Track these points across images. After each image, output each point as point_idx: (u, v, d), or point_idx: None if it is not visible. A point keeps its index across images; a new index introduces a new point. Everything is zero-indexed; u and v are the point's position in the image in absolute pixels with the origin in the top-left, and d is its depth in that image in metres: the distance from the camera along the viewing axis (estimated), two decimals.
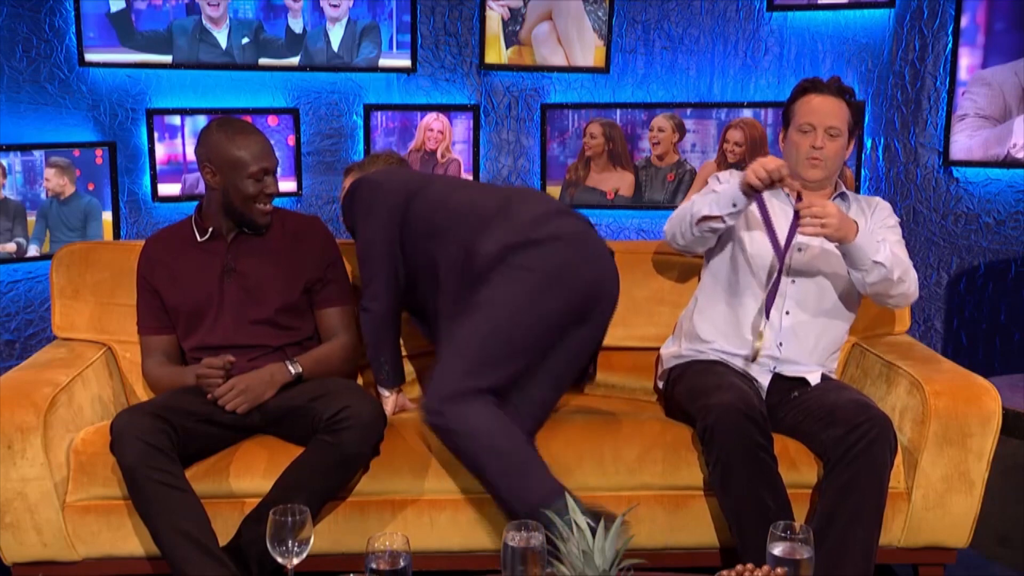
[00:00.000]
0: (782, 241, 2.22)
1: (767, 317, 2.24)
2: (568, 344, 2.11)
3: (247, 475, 2.10)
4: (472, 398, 1.97)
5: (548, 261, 2.05)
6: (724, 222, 2.20)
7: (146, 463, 1.93)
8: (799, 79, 3.42)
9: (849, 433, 2.02)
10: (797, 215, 2.12)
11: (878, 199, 2.42)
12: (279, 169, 3.34)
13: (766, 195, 2.26)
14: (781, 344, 2.26)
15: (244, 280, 2.24)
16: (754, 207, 2.23)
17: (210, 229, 2.26)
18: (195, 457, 2.09)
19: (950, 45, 3.28)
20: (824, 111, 2.24)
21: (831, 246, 2.21)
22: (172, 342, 2.30)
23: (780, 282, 2.22)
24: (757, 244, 2.28)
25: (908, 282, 2.22)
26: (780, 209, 2.31)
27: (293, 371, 2.18)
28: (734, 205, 2.16)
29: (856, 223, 2.14)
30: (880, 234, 2.29)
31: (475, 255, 2.07)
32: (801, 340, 2.26)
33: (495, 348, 2.01)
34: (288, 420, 2.13)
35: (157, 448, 1.94)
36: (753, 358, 2.24)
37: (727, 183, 2.26)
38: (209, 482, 2.07)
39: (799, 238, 2.24)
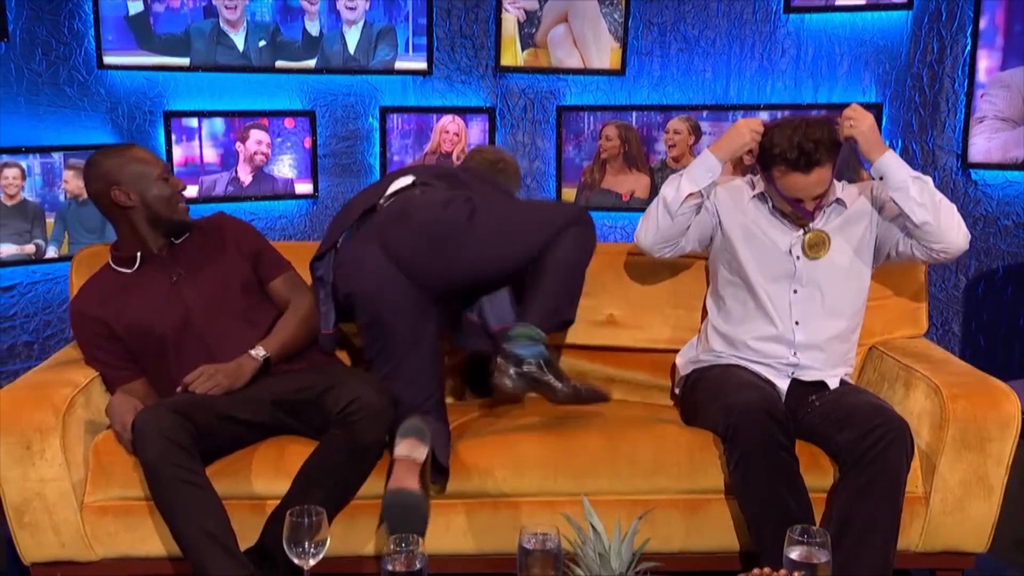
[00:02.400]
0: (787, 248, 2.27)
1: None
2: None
3: (265, 476, 2.10)
4: None
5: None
6: (703, 196, 2.27)
7: (168, 460, 1.93)
8: (816, 81, 3.43)
9: (865, 436, 2.01)
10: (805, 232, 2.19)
11: (869, 187, 2.36)
12: (295, 169, 3.40)
13: (755, 219, 2.30)
14: (796, 352, 2.26)
15: (195, 277, 2.24)
16: (743, 228, 2.29)
17: (138, 255, 2.24)
18: (215, 454, 2.09)
19: (968, 47, 3.26)
20: (811, 187, 2.19)
21: (834, 255, 2.23)
22: (146, 384, 2.25)
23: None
24: (768, 252, 2.28)
25: (956, 216, 2.18)
26: (780, 230, 2.31)
27: (259, 355, 2.17)
28: (710, 174, 2.25)
29: (886, 145, 2.18)
30: (887, 213, 2.29)
31: None
32: (813, 347, 2.26)
33: None
34: (303, 414, 2.14)
35: (179, 445, 1.94)
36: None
37: (686, 170, 2.28)
38: (228, 483, 2.07)
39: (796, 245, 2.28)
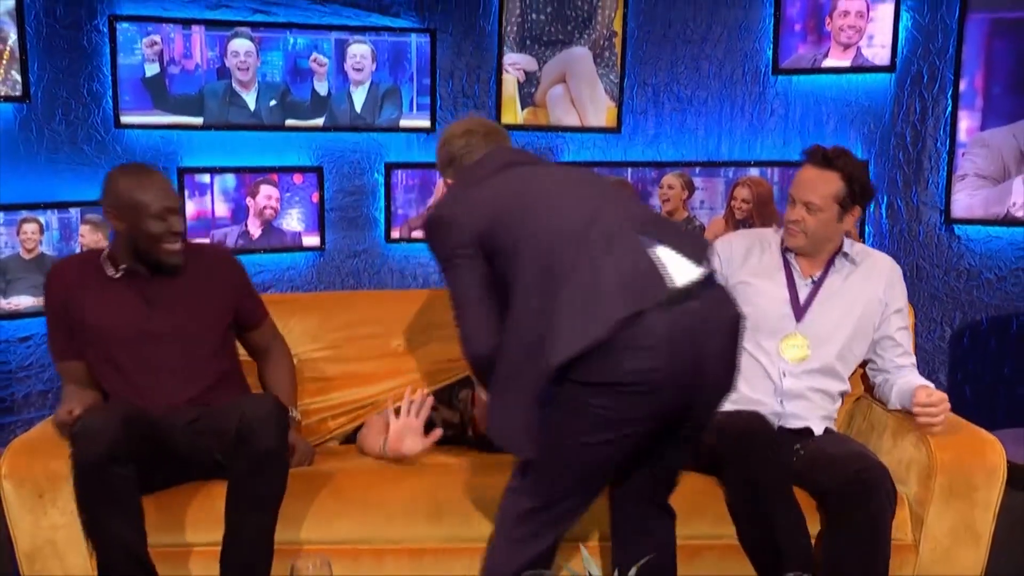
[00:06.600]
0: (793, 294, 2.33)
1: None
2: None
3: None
4: None
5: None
6: None
7: (106, 467, 1.94)
8: (803, 139, 3.54)
9: (847, 483, 2.05)
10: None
11: (891, 264, 2.39)
12: (303, 223, 3.49)
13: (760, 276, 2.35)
14: (783, 401, 2.33)
15: (168, 305, 2.25)
16: (749, 279, 2.33)
17: (123, 266, 2.24)
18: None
19: (949, 108, 3.38)
20: (804, 185, 2.25)
21: (834, 315, 2.30)
22: (85, 369, 2.26)
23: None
24: (767, 308, 2.33)
25: None
26: (773, 263, 2.37)
27: (296, 417, 2.37)
28: None
29: None
30: (892, 323, 2.33)
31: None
32: (800, 398, 2.31)
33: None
34: (220, 446, 2.11)
35: (118, 454, 1.95)
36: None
37: None
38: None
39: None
